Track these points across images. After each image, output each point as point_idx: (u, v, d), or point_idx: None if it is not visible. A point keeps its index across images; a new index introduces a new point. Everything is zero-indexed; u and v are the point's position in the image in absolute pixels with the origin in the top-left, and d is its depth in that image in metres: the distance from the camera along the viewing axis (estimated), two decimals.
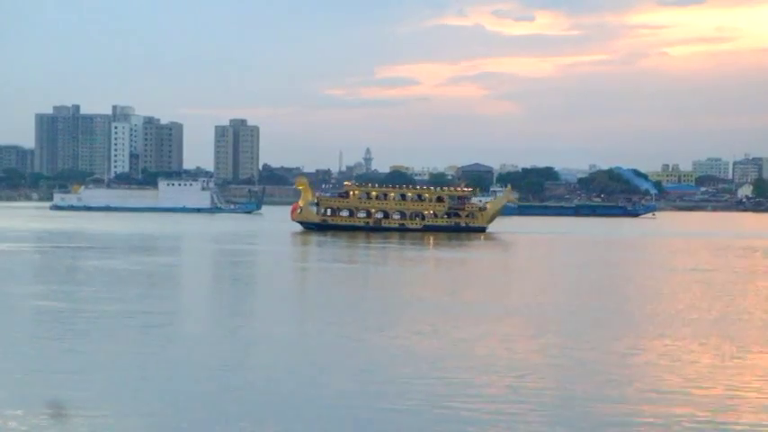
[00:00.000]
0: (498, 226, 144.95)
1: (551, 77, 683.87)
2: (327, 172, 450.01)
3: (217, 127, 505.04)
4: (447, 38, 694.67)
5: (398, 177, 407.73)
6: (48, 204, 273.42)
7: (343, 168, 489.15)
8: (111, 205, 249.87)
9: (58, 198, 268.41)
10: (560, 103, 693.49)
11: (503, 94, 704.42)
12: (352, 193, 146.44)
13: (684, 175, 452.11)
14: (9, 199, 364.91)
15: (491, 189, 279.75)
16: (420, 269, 75.84)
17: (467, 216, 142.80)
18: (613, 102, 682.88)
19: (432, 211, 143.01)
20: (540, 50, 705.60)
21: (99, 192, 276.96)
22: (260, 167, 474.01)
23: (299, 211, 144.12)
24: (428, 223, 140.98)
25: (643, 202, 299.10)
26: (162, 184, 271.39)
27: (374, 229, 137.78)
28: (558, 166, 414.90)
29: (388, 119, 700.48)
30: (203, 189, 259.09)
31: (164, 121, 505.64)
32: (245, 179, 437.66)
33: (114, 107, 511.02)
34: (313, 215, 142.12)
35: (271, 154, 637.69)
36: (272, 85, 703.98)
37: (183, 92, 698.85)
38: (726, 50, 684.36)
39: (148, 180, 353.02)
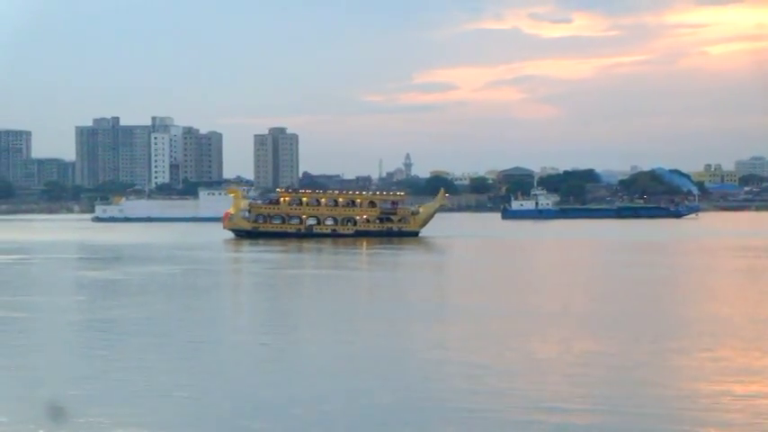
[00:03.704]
0: (537, 231, 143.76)
1: (590, 79, 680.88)
2: (367, 178, 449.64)
3: (256, 136, 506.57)
4: (484, 42, 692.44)
5: (439, 182, 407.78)
6: (89, 216, 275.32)
7: (383, 175, 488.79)
8: (152, 216, 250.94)
9: (99, 210, 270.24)
10: (600, 105, 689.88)
11: (542, 97, 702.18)
12: (282, 199, 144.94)
13: (727, 175, 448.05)
14: (51, 212, 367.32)
15: (532, 192, 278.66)
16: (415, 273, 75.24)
17: (399, 221, 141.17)
18: (654, 102, 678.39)
19: (364, 216, 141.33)
20: (578, 52, 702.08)
21: (140, 203, 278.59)
22: (300, 175, 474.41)
23: (230, 218, 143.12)
24: (360, 228, 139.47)
25: (686, 202, 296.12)
26: (202, 193, 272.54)
27: (306, 236, 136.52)
28: (598, 167, 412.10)
29: (428, 124, 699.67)
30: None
31: (203, 131, 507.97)
32: (285, 187, 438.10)
33: (154, 118, 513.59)
34: (244, 222, 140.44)
35: (310, 161, 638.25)
36: (311, 93, 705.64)
37: (222, 101, 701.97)
38: (767, 48, 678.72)
39: (189, 190, 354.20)
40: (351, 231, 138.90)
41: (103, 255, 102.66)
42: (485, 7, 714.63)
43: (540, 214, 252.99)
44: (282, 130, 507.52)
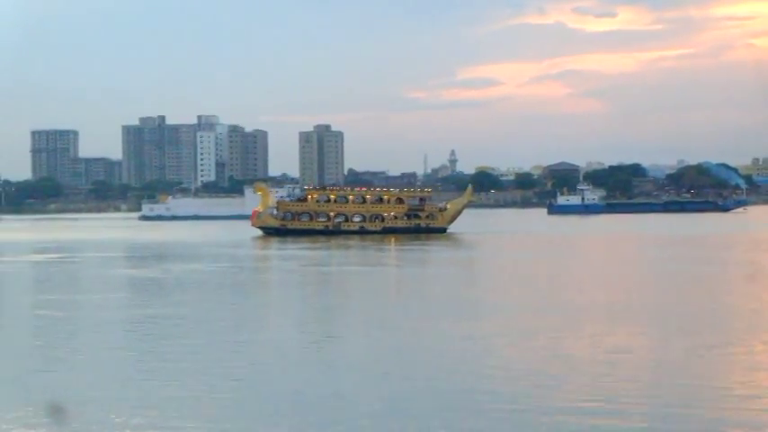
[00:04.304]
0: (581, 226, 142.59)
1: (635, 73, 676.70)
2: (413, 175, 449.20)
3: (301, 133, 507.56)
4: (528, 37, 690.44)
5: (484, 178, 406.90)
6: (136, 215, 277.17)
7: (428, 171, 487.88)
8: (199, 214, 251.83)
9: (146, 208, 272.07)
10: (645, 99, 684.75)
11: (587, 92, 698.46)
12: (310, 196, 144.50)
13: None
14: (99, 210, 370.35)
15: (578, 187, 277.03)
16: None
17: (427, 217, 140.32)
18: (700, 96, 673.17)
19: (392, 213, 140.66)
20: (623, 46, 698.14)
21: (186, 201, 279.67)
22: (345, 172, 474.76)
23: (258, 216, 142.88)
24: (388, 225, 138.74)
25: (733, 196, 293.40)
26: (248, 191, 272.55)
27: (334, 233, 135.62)
28: (645, 162, 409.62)
29: (472, 120, 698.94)
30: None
31: (248, 129, 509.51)
32: (330, 184, 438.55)
33: (199, 117, 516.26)
34: (272, 220, 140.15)
35: (355, 158, 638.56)
36: (355, 90, 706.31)
37: (267, 99, 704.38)
38: None
39: (235, 188, 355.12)
40: (378, 228, 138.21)
41: (142, 253, 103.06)
42: (528, 2, 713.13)
43: (586, 209, 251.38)
44: (327, 128, 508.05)
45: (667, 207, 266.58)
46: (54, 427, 23.30)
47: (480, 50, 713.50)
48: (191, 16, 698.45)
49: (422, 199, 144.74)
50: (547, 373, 29.02)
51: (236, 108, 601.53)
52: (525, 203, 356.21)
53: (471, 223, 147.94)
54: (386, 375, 29.42)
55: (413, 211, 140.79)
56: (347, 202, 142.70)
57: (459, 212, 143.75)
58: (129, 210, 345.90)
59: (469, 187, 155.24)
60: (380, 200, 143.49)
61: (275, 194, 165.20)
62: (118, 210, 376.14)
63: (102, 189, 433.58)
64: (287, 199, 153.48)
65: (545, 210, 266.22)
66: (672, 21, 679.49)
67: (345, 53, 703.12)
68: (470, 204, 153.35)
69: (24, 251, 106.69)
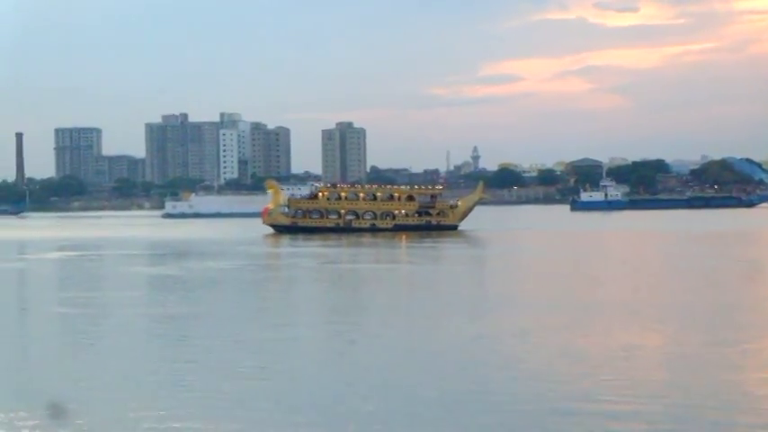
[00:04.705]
0: (604, 222, 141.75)
1: (658, 68, 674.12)
2: (435, 172, 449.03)
3: (323, 130, 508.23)
4: (550, 32, 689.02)
5: (507, 175, 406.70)
6: (159, 212, 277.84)
7: (451, 168, 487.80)
8: (222, 211, 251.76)
9: (169, 206, 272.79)
10: (669, 94, 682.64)
11: (609, 87, 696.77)
12: (321, 194, 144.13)
13: None
14: (122, 208, 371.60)
15: (601, 183, 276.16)
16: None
17: (437, 214, 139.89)
18: (724, 90, 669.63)
19: (403, 211, 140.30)
20: (645, 41, 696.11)
21: (209, 198, 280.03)
22: (368, 169, 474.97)
23: (269, 213, 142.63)
24: (399, 222, 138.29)
25: (758, 191, 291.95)
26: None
27: (345, 230, 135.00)
28: (668, 157, 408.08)
29: (494, 116, 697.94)
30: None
31: (271, 127, 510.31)
32: (353, 182, 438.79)
33: (222, 114, 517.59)
34: (283, 217, 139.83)
35: (378, 155, 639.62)
36: (377, 87, 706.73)
37: (289, 96, 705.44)
38: None
39: (257, 185, 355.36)
40: (389, 226, 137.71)
41: (161, 251, 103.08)
42: None
43: (609, 205, 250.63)
44: (350, 125, 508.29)
45: (691, 203, 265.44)
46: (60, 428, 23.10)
47: (502, 47, 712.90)
48: (214, 14, 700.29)
49: (433, 196, 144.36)
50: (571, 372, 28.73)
51: (259, 105, 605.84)
52: (548, 200, 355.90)
53: (489, 219, 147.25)
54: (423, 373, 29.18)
55: (424, 209, 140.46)
56: (358, 199, 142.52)
57: (470, 209, 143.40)
58: (153, 207, 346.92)
59: (480, 184, 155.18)
60: (391, 197, 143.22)
61: (298, 192, 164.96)
62: (141, 207, 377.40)
63: (126, 187, 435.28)
64: (298, 196, 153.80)
65: (568, 206, 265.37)
66: (695, 15, 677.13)
67: (368, 50, 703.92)
68: (482, 201, 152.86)
69: (47, 249, 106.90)
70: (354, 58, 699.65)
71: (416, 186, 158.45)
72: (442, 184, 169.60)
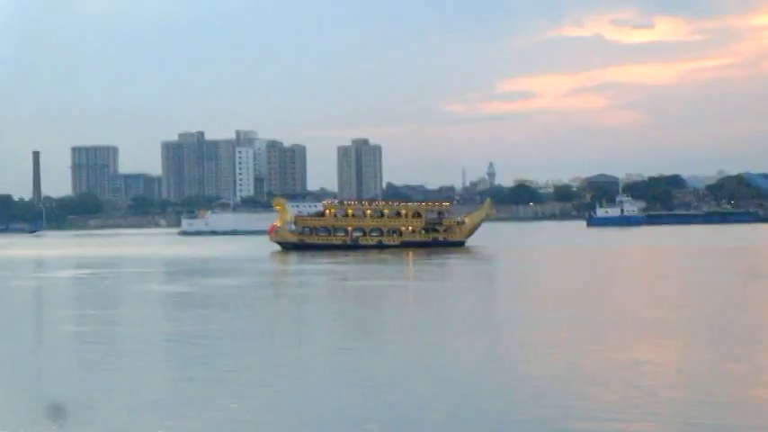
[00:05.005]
0: (619, 238, 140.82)
1: (674, 84, 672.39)
2: (451, 188, 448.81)
3: (339, 147, 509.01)
4: (566, 49, 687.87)
5: (523, 191, 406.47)
6: (176, 230, 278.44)
7: (467, 184, 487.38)
8: (238, 229, 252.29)
9: (185, 224, 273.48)
10: (685, 110, 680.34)
11: (625, 103, 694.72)
12: (328, 211, 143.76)
13: None
14: (139, 226, 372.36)
15: (617, 199, 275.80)
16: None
17: (445, 231, 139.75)
18: (740, 105, 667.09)
19: (410, 227, 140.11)
20: (661, 57, 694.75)
21: (225, 216, 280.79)
22: (383, 186, 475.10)
23: (276, 231, 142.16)
24: (406, 239, 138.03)
25: None
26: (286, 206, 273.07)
27: (352, 247, 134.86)
28: (684, 173, 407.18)
29: (510, 133, 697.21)
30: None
31: (286, 144, 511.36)
32: (369, 198, 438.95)
33: (238, 132, 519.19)
34: (290, 235, 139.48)
35: (393, 172, 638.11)
36: (393, 104, 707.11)
37: (305, 114, 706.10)
38: None
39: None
40: (396, 242, 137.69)
41: (173, 268, 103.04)
42: (565, 14, 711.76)
43: (625, 221, 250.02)
44: (365, 142, 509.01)
45: (708, 218, 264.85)
46: None
47: (518, 63, 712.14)
48: (229, 33, 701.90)
49: (440, 213, 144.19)
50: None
51: (275, 123, 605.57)
52: (564, 216, 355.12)
53: (504, 236, 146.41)
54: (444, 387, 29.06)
55: (431, 225, 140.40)
56: (365, 216, 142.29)
57: (477, 226, 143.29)
58: (169, 225, 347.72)
59: (488, 200, 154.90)
60: (398, 214, 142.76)
61: (314, 210, 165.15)
62: (157, 225, 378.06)
63: (142, 205, 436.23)
64: (305, 214, 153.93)
65: (584, 222, 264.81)
66: (710, 31, 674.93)
67: (383, 67, 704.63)
68: (491, 217, 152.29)
69: (62, 267, 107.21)
70: (370, 75, 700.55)
71: (424, 203, 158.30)
72: (451, 201, 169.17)
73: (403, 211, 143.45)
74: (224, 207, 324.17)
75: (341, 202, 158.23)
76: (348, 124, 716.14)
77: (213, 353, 37.38)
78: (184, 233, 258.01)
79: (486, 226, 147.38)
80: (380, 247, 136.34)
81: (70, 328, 47.36)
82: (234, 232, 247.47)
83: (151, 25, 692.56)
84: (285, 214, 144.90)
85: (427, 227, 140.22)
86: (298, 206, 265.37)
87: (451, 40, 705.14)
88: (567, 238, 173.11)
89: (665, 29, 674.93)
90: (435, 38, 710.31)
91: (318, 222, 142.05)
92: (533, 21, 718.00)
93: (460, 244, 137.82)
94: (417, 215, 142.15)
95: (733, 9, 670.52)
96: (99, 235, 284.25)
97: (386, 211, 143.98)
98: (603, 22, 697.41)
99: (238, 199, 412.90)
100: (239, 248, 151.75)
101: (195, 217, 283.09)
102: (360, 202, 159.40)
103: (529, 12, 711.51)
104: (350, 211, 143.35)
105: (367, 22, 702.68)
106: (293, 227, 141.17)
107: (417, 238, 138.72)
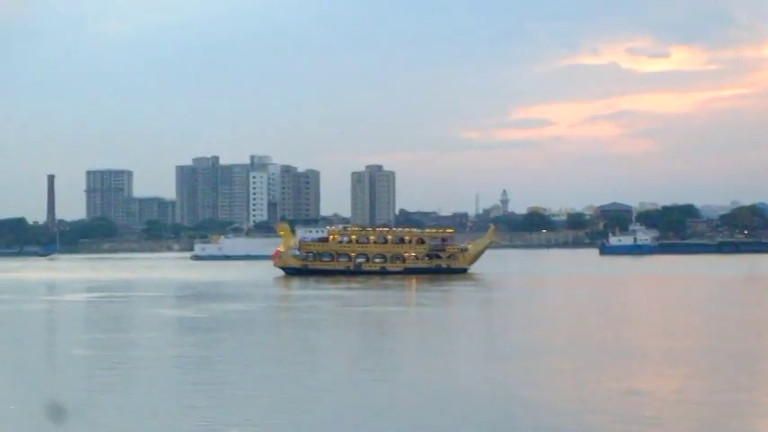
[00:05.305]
0: (630, 267, 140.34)
1: (690, 113, 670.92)
2: (464, 215, 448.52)
3: (353, 173, 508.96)
4: (581, 77, 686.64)
5: (536, 218, 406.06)
6: (189, 254, 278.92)
7: (480, 211, 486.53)
8: (251, 254, 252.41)
9: (198, 248, 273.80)
10: (700, 139, 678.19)
11: (640, 132, 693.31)
12: (331, 237, 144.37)
13: None
14: (152, 250, 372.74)
15: (630, 228, 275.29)
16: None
17: (448, 257, 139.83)
18: (755, 136, 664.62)
19: (413, 254, 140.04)
20: (677, 86, 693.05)
21: (238, 241, 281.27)
22: (396, 212, 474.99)
23: (280, 256, 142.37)
24: (409, 266, 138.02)
25: None
26: (300, 231, 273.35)
27: (355, 273, 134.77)
28: (698, 202, 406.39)
29: (524, 160, 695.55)
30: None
31: (301, 169, 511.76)
32: (380, 224, 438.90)
33: (252, 157, 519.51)
34: (293, 260, 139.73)
35: (407, 198, 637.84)
36: (407, 130, 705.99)
37: (319, 139, 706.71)
38: None
39: None
40: (400, 268, 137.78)
41: (182, 293, 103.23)
42: (581, 42, 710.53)
43: (638, 250, 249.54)
44: (379, 168, 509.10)
45: (721, 248, 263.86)
46: None
47: (534, 91, 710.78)
48: (243, 57, 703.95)
49: (443, 239, 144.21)
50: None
51: (289, 148, 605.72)
52: (577, 243, 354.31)
53: (513, 263, 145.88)
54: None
55: (434, 252, 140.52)
56: (368, 242, 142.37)
57: (480, 253, 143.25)
58: (182, 249, 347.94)
59: (492, 227, 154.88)
60: (402, 240, 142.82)
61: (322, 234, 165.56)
62: (171, 249, 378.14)
63: (156, 229, 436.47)
64: (308, 239, 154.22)
65: (597, 250, 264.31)
66: (726, 61, 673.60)
67: (398, 93, 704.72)
68: (493, 245, 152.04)
69: (73, 290, 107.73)
70: (385, 101, 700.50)
71: (428, 229, 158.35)
72: (464, 228, 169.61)
73: (406, 238, 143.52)
74: (237, 232, 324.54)
75: (344, 228, 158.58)
76: (362, 150, 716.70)
77: (220, 379, 37.65)
78: (197, 257, 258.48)
79: (496, 253, 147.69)
80: (383, 273, 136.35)
81: (80, 352, 47.72)
82: (247, 257, 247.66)
83: (167, 49, 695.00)
84: (289, 239, 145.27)
85: (430, 253, 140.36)
86: (311, 231, 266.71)
87: (467, 66, 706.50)
88: (576, 265, 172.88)
89: (681, 58, 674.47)
90: (451, 64, 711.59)
91: (322, 248, 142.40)
92: (549, 48, 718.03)
93: (463, 271, 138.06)
94: (421, 242, 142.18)
95: (748, 40, 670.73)
96: (112, 259, 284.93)
97: (389, 237, 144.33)
98: (620, 50, 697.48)
99: (252, 224, 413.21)
100: (248, 273, 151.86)
101: (208, 241, 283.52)
102: (363, 228, 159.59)
103: (545, 39, 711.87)
104: (353, 237, 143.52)
105: (382, 48, 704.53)
106: (297, 252, 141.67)
107: (420, 264, 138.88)
